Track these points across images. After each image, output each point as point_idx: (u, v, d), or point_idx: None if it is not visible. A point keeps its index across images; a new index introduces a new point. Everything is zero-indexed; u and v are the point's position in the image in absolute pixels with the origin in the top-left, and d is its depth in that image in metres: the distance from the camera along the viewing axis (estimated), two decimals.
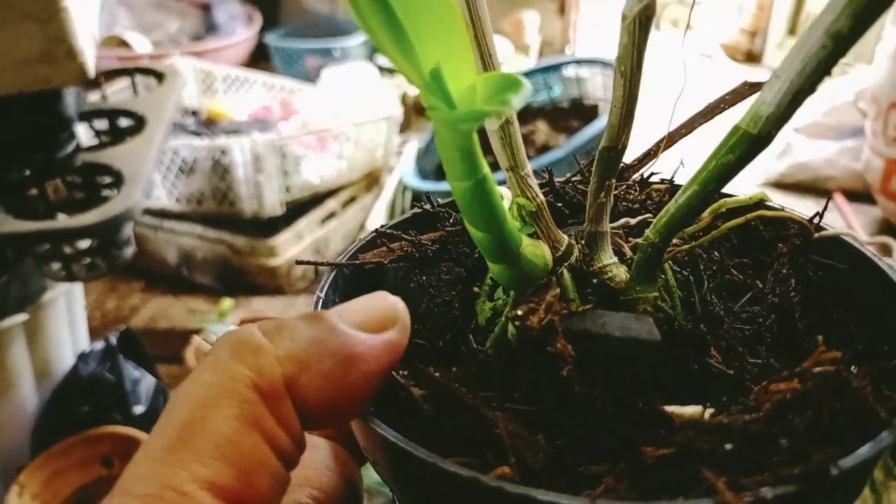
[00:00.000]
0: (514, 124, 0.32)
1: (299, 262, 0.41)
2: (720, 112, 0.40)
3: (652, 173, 0.42)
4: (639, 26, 0.29)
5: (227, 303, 1.58)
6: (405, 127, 2.35)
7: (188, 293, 1.81)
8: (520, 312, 0.28)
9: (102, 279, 1.81)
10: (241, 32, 3.09)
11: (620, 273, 0.32)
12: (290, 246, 1.81)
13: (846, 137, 2.24)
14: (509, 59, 2.80)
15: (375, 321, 0.28)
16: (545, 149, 1.92)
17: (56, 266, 1.10)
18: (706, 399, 0.27)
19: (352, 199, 1.99)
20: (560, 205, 0.39)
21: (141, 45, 2.84)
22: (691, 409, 0.26)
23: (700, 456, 0.23)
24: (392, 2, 0.24)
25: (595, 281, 0.31)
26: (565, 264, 0.32)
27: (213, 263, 1.83)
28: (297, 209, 1.86)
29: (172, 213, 1.83)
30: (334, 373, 0.26)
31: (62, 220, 1.07)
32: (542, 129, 1.99)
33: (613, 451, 0.25)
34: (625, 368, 0.28)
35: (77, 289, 1.29)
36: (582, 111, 2.12)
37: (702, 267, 0.33)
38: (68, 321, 1.26)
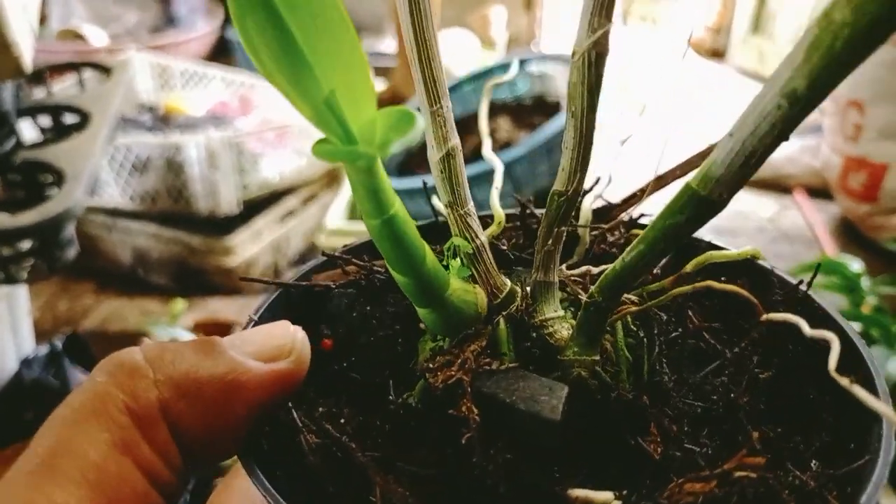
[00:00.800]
0: (458, 157, 0.30)
1: (243, 279, 0.40)
2: (697, 166, 0.38)
3: (641, 215, 0.40)
4: (589, 63, 0.27)
5: (179, 304, 1.54)
6: None
7: (143, 294, 1.77)
8: (431, 365, 0.27)
9: (54, 280, 1.77)
10: (202, 26, 3.03)
11: (563, 329, 0.29)
12: (248, 245, 1.78)
13: (806, 135, 2.26)
14: (476, 55, 2.78)
15: (269, 350, 0.27)
16: (507, 145, 1.91)
17: None
18: (628, 483, 0.25)
19: (312, 197, 1.96)
20: (504, 248, 0.36)
21: (97, 38, 2.77)
22: (602, 497, 0.24)
23: None
24: (289, 23, 0.23)
25: (534, 335, 0.29)
26: (503, 313, 0.29)
27: (169, 263, 1.78)
28: (256, 207, 1.82)
29: (126, 212, 1.78)
30: (215, 400, 0.25)
31: (0, 220, 1.03)
32: (504, 126, 1.97)
33: None
34: (527, 441, 0.26)
35: (20, 292, 1.25)
36: (545, 108, 2.10)
37: (656, 330, 0.30)
38: (10, 325, 1.22)
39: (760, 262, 0.34)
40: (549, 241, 0.30)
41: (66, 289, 1.79)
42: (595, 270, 0.34)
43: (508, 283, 0.31)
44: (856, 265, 1.21)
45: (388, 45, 2.74)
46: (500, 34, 3.00)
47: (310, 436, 0.27)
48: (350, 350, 0.31)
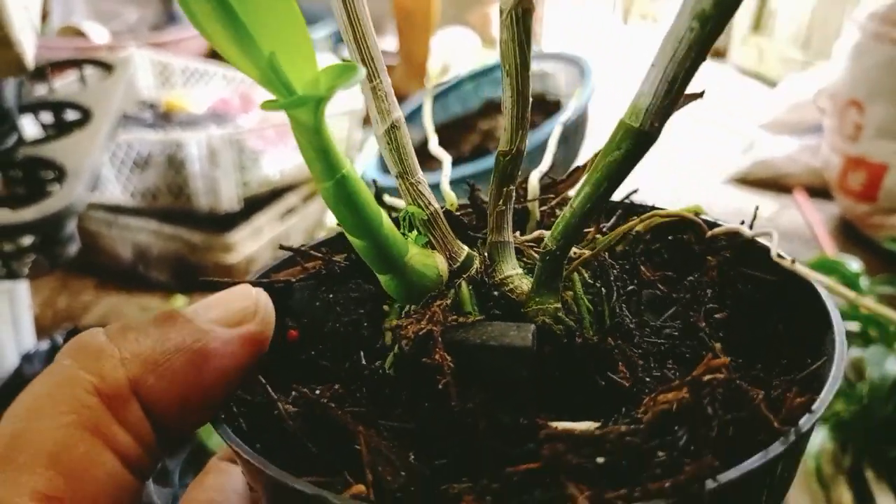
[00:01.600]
0: (402, 128, 0.31)
1: (203, 280, 0.40)
2: None
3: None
4: (516, 20, 0.28)
5: (179, 301, 1.55)
6: (367, 121, 2.33)
7: (142, 290, 1.77)
8: (400, 323, 0.27)
9: (54, 276, 1.77)
10: None
11: (523, 284, 0.30)
12: (249, 242, 1.78)
13: (806, 134, 2.26)
14: (476, 53, 2.78)
15: (233, 315, 0.27)
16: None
17: None
18: (605, 416, 0.26)
19: (312, 195, 1.96)
20: (466, 219, 0.37)
21: (98, 35, 2.77)
22: (583, 426, 0.25)
23: (568, 470, 0.22)
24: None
25: (496, 293, 0.30)
26: (464, 276, 0.30)
27: (169, 260, 1.79)
28: (256, 204, 1.83)
29: (127, 209, 1.79)
30: (186, 371, 0.25)
31: (2, 216, 1.03)
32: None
33: (483, 470, 0.24)
34: (501, 378, 0.27)
35: (21, 287, 1.25)
36: (545, 106, 2.11)
37: (612, 277, 0.31)
38: (11, 320, 1.23)
39: (704, 216, 0.36)
40: (500, 201, 0.31)
41: (66, 285, 1.79)
42: (547, 234, 0.34)
43: (465, 248, 0.31)
44: (854, 265, 1.22)
45: (389, 43, 2.74)
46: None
47: (286, 406, 0.27)
48: (316, 339, 0.31)
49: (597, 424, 0.25)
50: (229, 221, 1.78)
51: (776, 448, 0.23)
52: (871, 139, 1.90)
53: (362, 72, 0.22)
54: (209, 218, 1.77)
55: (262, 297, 0.28)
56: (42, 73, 1.37)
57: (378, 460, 0.24)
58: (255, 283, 0.33)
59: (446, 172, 0.41)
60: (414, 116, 2.01)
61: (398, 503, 0.23)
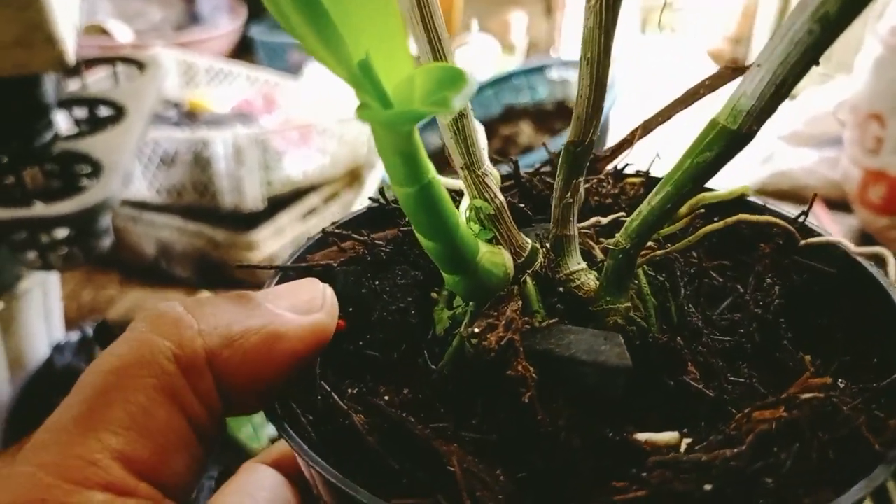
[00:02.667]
0: (469, 117, 0.30)
1: (240, 267, 0.39)
2: (699, 98, 0.37)
3: (626, 164, 0.39)
4: (606, 7, 0.26)
5: (203, 296, 1.56)
6: None
7: (166, 286, 1.79)
8: (476, 330, 0.26)
9: (79, 270, 1.79)
10: (225, 24, 3.06)
11: (590, 280, 0.29)
12: (271, 240, 1.80)
13: (826, 147, 2.27)
14: (496, 60, 2.80)
15: (301, 304, 0.28)
16: (528, 149, 1.93)
17: (32, 255, 1.08)
18: (682, 422, 0.25)
19: (333, 195, 1.98)
20: (523, 205, 0.36)
21: (122, 34, 2.80)
22: (667, 437, 0.24)
23: (676, 498, 0.21)
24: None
25: (561, 290, 0.29)
26: (528, 272, 0.29)
27: (192, 256, 1.81)
28: (278, 204, 1.84)
29: (152, 205, 1.81)
30: (258, 349, 0.26)
31: (39, 209, 1.05)
32: (525, 130, 1.99)
33: (580, 489, 0.23)
34: (591, 394, 0.25)
35: (53, 279, 1.27)
36: (566, 113, 2.12)
37: (678, 272, 0.30)
38: (44, 311, 1.25)
39: (752, 198, 0.35)
40: (568, 194, 0.29)
41: (90, 279, 1.81)
42: (604, 221, 0.33)
43: (529, 241, 0.30)
44: None
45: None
46: (520, 40, 3.02)
47: (358, 417, 0.26)
48: (363, 328, 0.30)
49: (676, 435, 0.24)
50: (252, 220, 1.79)
51: (880, 474, 0.22)
52: (893, 152, 1.90)
53: (472, 82, 0.20)
54: (233, 216, 1.78)
55: (327, 290, 0.29)
56: (76, 69, 1.39)
57: (474, 483, 0.23)
58: (292, 268, 0.33)
59: (483, 145, 0.40)
60: (435, 120, 2.02)
61: None
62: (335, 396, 0.27)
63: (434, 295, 0.31)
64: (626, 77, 2.27)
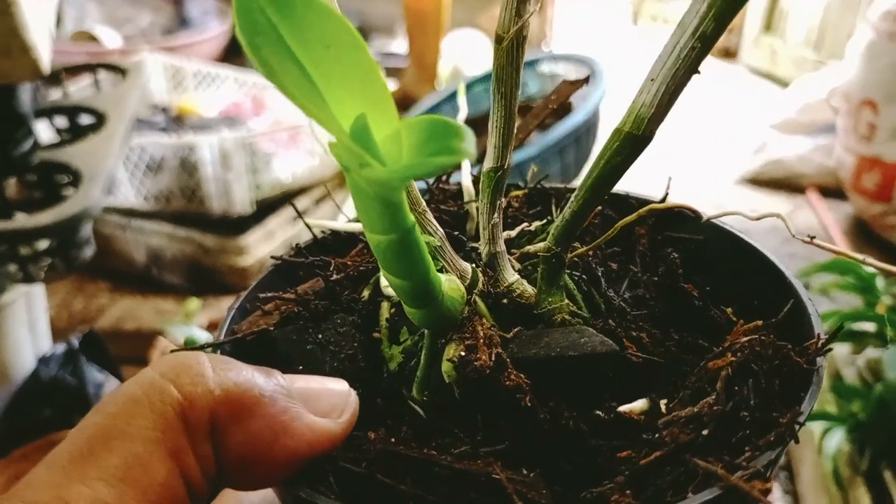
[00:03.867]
0: None
1: (174, 351, 0.38)
2: (549, 111, 0.43)
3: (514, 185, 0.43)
4: (517, 46, 0.30)
5: (193, 303, 1.55)
6: None
7: (157, 293, 1.78)
8: (462, 354, 0.27)
9: (69, 279, 1.78)
10: (215, 27, 3.05)
11: (527, 288, 0.32)
12: (261, 244, 1.79)
13: (819, 134, 2.25)
14: (487, 55, 2.78)
15: (323, 405, 0.27)
16: (518, 145, 1.91)
17: (13, 267, 1.07)
18: (648, 391, 0.28)
19: (324, 197, 1.97)
20: (457, 232, 0.38)
21: (111, 39, 2.79)
22: (640, 404, 0.27)
23: (687, 448, 0.24)
24: (300, 57, 0.22)
25: (505, 301, 0.31)
26: (475, 292, 0.31)
27: (183, 263, 1.80)
28: (269, 207, 1.83)
29: (140, 212, 1.80)
30: (263, 437, 0.25)
31: (18, 220, 1.04)
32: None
33: (597, 467, 0.26)
34: (581, 383, 0.28)
35: (38, 290, 1.26)
36: (556, 108, 2.10)
37: (594, 265, 0.34)
38: (28, 323, 1.23)
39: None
40: (494, 215, 0.32)
41: (81, 288, 1.80)
42: (513, 234, 0.37)
43: (468, 265, 0.33)
44: None
45: (399, 45, 2.75)
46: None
47: (363, 466, 0.26)
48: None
49: (646, 401, 0.27)
50: (242, 224, 1.78)
51: (817, 384, 0.27)
52: (886, 139, 1.89)
53: (470, 138, 0.21)
54: (222, 221, 1.77)
55: (352, 399, 0.28)
56: (56, 77, 1.38)
57: (521, 487, 0.24)
58: (227, 342, 0.33)
59: (466, 169, 0.42)
60: None
61: None
62: (348, 465, 0.27)
63: (376, 335, 0.32)
64: (617, 68, 2.25)
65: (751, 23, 3.32)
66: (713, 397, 0.26)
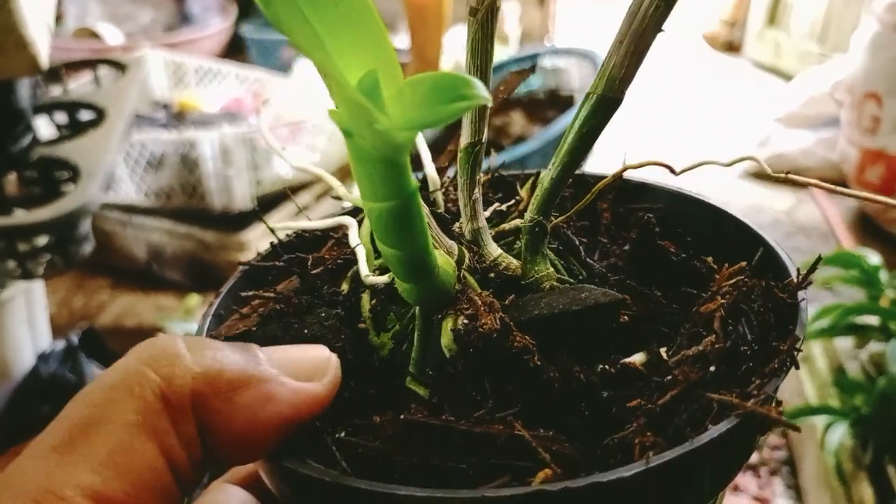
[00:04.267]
0: None
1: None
2: (498, 101, 0.43)
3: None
4: (489, 18, 0.30)
5: (193, 299, 1.55)
6: None
7: (157, 290, 1.78)
8: (466, 322, 0.27)
9: (70, 276, 1.78)
10: (216, 23, 3.04)
11: (511, 261, 0.32)
12: (262, 240, 1.78)
13: (823, 128, 2.24)
14: None
15: (304, 369, 0.27)
16: (520, 139, 1.90)
17: (11, 264, 1.06)
18: (636, 346, 0.29)
19: (324, 193, 1.96)
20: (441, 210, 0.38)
21: (113, 36, 2.79)
22: (639, 357, 0.28)
23: (697, 385, 0.25)
24: (308, 13, 0.22)
25: (492, 275, 0.31)
26: (462, 268, 0.31)
27: (184, 259, 1.79)
28: (270, 203, 1.83)
29: (141, 208, 1.80)
30: (248, 407, 0.25)
31: (16, 216, 1.04)
32: (517, 120, 1.97)
33: (612, 418, 0.26)
34: (584, 338, 0.28)
35: (37, 287, 1.26)
36: (558, 102, 2.10)
37: (571, 233, 0.35)
38: (28, 320, 1.23)
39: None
40: (475, 190, 0.33)
41: (81, 284, 1.80)
42: (487, 213, 0.37)
43: (454, 242, 0.33)
44: (874, 258, 1.20)
45: (401, 40, 2.74)
46: (513, 29, 2.99)
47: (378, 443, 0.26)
48: None
49: (644, 354, 0.28)
50: (242, 220, 1.78)
51: (803, 314, 0.28)
52: (890, 132, 1.87)
53: (480, 87, 0.20)
54: (223, 217, 1.77)
55: (333, 361, 0.28)
56: (56, 73, 1.38)
57: (546, 444, 0.24)
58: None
59: (428, 158, 0.41)
60: None
61: (586, 471, 0.23)
62: (363, 443, 0.26)
63: (362, 325, 0.32)
64: None
65: (754, 16, 3.30)
66: (713, 336, 0.27)
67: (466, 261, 0.31)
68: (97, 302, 1.75)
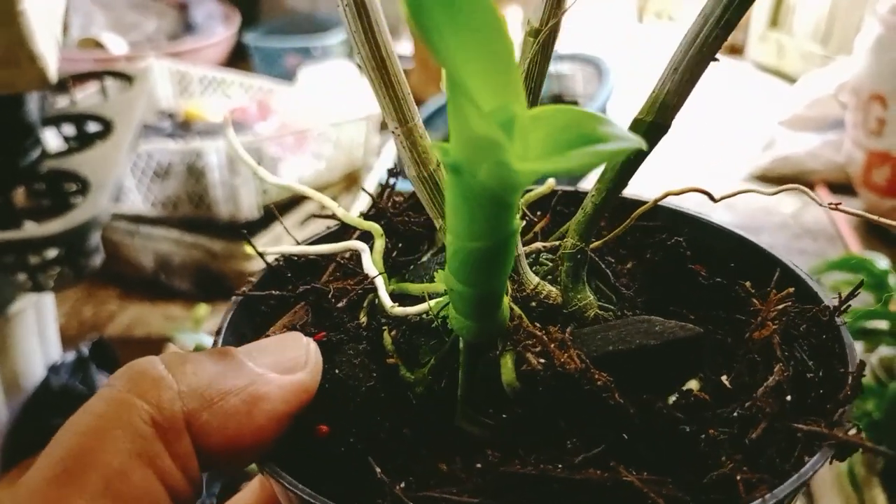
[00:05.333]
0: (393, 60, 0.30)
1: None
2: None
3: None
4: (551, 40, 0.31)
5: (202, 309, 1.55)
6: (385, 126, 2.33)
7: (166, 299, 1.78)
8: (543, 360, 0.26)
9: (78, 286, 1.78)
10: (220, 32, 3.05)
11: (551, 289, 0.31)
12: (269, 249, 1.79)
13: (828, 130, 2.24)
14: None
15: (285, 362, 0.27)
16: None
17: (22, 276, 1.07)
18: (698, 366, 0.29)
19: (335, 198, 1.97)
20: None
21: (117, 46, 2.80)
22: (694, 384, 0.28)
23: (779, 416, 0.26)
24: (448, 38, 0.20)
25: (534, 303, 0.31)
26: (507, 298, 0.29)
27: (191, 268, 1.80)
28: (280, 209, 1.83)
29: (148, 218, 1.80)
30: (238, 411, 0.25)
31: (27, 229, 1.04)
32: None
33: (698, 452, 0.26)
34: (657, 372, 0.28)
35: (47, 298, 1.26)
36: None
37: (604, 259, 0.34)
38: (38, 332, 1.24)
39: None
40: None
41: (90, 295, 1.81)
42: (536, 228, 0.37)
43: None
44: (882, 262, 1.20)
45: (405, 46, 2.74)
46: (516, 34, 2.99)
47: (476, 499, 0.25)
48: (345, 428, 0.28)
49: (697, 382, 0.28)
50: (249, 229, 1.78)
51: (847, 337, 0.29)
52: None
53: (623, 132, 0.19)
54: (229, 226, 1.77)
55: (312, 347, 0.28)
56: (63, 85, 1.38)
57: (656, 488, 0.24)
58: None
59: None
60: (433, 120, 2.01)
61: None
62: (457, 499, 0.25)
63: (390, 360, 0.30)
64: (621, 66, 2.24)
65: (757, 18, 3.30)
66: (781, 365, 0.27)
67: (509, 291, 0.30)
68: (106, 312, 1.75)
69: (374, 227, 0.36)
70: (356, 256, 0.35)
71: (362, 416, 0.29)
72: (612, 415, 0.26)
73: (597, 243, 0.33)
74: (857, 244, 1.92)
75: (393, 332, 0.31)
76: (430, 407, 0.29)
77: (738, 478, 0.24)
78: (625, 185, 0.30)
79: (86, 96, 1.61)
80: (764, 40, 3.26)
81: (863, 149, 1.97)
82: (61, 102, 1.37)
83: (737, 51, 3.42)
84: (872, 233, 1.99)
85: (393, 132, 0.31)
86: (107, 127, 1.22)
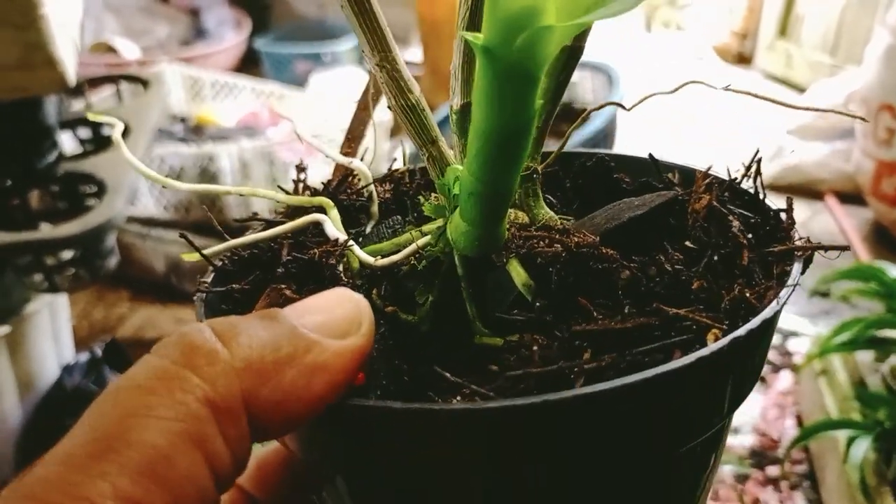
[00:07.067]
0: (424, 106, 0.33)
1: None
2: (365, 124, 0.45)
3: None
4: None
5: None
6: (395, 132, 2.34)
7: (176, 302, 1.79)
8: (558, 246, 0.29)
9: (89, 289, 1.80)
10: (231, 37, 3.07)
11: (518, 213, 0.34)
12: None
13: (837, 139, 2.24)
14: None
15: (339, 324, 0.25)
16: None
17: (38, 277, 1.08)
18: (661, 237, 0.32)
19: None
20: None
21: (129, 51, 2.82)
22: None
23: (753, 246, 0.31)
24: None
25: (507, 226, 0.33)
26: None
27: (202, 272, 1.81)
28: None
29: (160, 221, 1.81)
30: (297, 385, 0.23)
31: (44, 231, 1.05)
32: None
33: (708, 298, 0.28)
34: (660, 230, 0.32)
35: (61, 300, 1.28)
36: (571, 114, 2.11)
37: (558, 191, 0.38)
38: (52, 333, 1.25)
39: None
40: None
41: (101, 297, 1.82)
42: None
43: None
44: (894, 271, 1.20)
45: (414, 54, 2.76)
46: None
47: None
48: (374, 375, 0.28)
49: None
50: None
51: (762, 191, 0.35)
52: None
53: None
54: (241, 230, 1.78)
55: (362, 304, 0.26)
56: (79, 89, 1.40)
57: (693, 312, 0.27)
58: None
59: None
60: (442, 127, 2.01)
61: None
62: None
63: (389, 309, 0.31)
64: (632, 74, 2.25)
65: (765, 28, 3.30)
66: (731, 216, 0.32)
67: None
68: (117, 314, 1.76)
69: (324, 201, 0.36)
70: (312, 231, 0.35)
71: (382, 362, 0.29)
72: (628, 280, 0.28)
73: (546, 161, 0.36)
74: (866, 252, 1.92)
75: (374, 291, 0.31)
76: (440, 340, 0.30)
77: (748, 294, 0.27)
78: (560, 98, 0.33)
79: (101, 100, 1.62)
80: (772, 50, 3.26)
81: (872, 158, 1.97)
82: (76, 105, 1.38)
83: (745, 60, 3.42)
84: (881, 242, 1.99)
85: (375, 65, 0.32)
86: (122, 131, 1.23)
